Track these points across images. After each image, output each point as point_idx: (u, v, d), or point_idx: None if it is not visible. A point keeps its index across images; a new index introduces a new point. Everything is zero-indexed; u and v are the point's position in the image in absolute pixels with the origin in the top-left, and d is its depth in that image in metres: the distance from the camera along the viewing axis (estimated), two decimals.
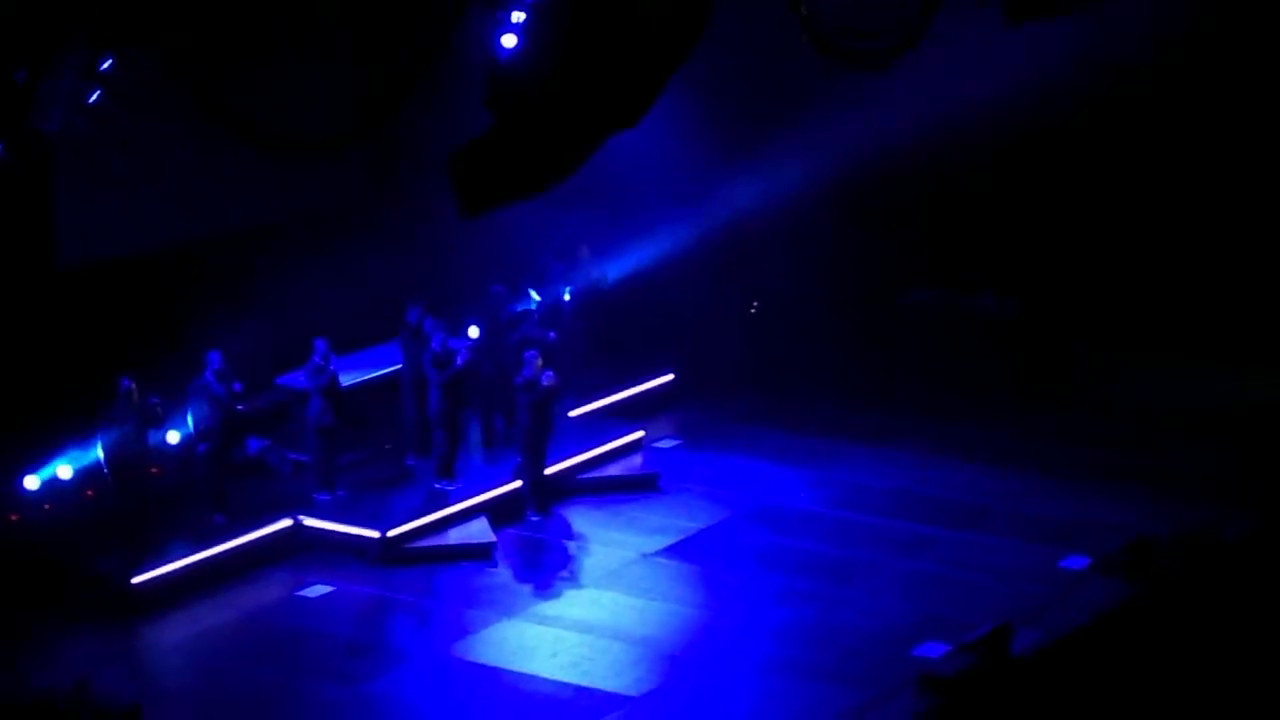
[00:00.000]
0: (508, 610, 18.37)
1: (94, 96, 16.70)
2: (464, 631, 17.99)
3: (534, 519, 20.34)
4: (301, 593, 18.83)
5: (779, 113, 23.65)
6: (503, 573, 19.30)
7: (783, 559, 19.27)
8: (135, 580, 18.38)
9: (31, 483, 18.70)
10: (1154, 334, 23.70)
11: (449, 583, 19.08)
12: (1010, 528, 19.82)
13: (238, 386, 19.50)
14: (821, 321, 24.42)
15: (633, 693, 16.76)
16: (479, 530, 19.88)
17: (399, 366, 21.09)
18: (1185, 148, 23.55)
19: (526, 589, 18.96)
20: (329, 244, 21.60)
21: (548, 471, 20.57)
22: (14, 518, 18.68)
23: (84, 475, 18.91)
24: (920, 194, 24.29)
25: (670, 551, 19.56)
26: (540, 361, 20.15)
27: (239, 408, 19.63)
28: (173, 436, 19.47)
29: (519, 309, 21.93)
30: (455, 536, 19.77)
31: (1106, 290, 23.98)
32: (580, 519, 20.44)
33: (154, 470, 19.27)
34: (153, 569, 18.50)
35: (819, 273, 24.51)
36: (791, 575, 18.90)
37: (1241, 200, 23.72)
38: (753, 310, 25.09)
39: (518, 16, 15.87)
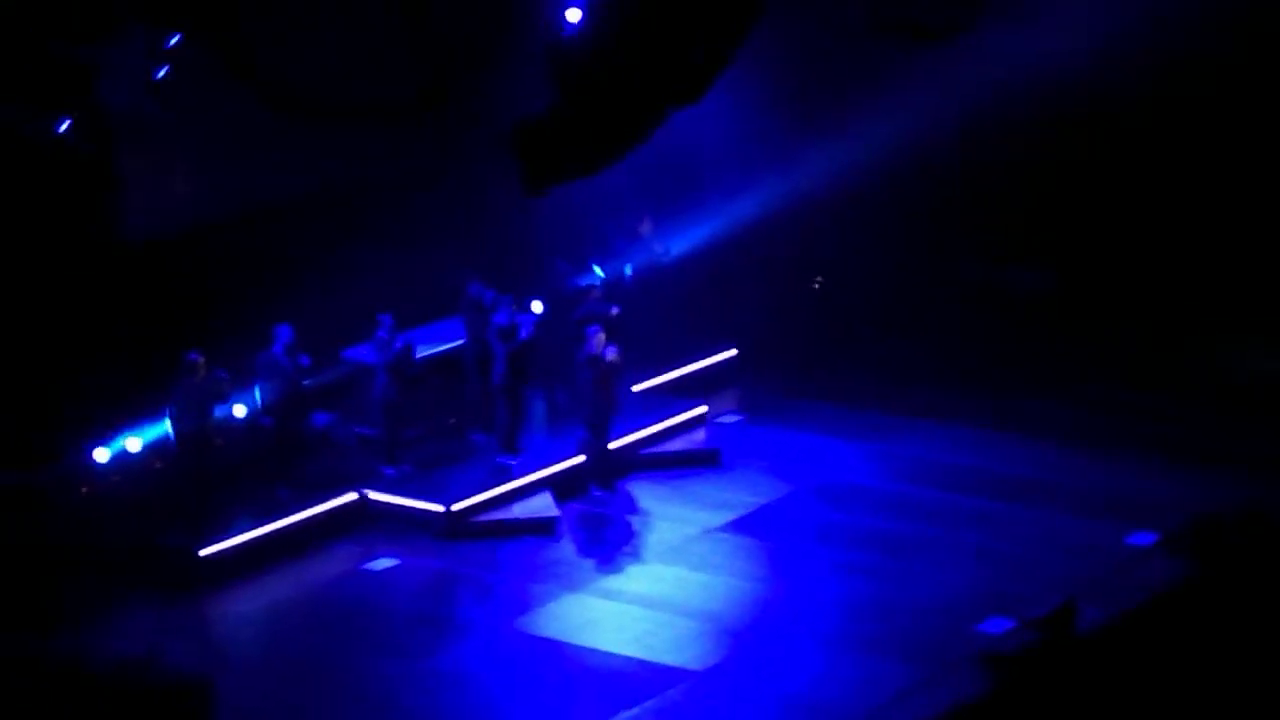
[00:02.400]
0: (571, 584, 18.31)
1: (160, 73, 16.66)
2: (527, 605, 17.93)
3: (597, 494, 20.23)
4: (366, 566, 18.82)
5: (841, 88, 23.41)
6: (566, 547, 19.23)
7: (844, 534, 19.13)
8: (202, 553, 18.40)
9: (101, 456, 18.75)
10: (1209, 307, 23.35)
11: (512, 557, 19.03)
12: (1073, 503, 19.61)
13: (304, 360, 19.46)
14: (884, 297, 24.19)
15: (695, 667, 16.67)
16: (543, 505, 19.80)
17: (462, 341, 20.99)
18: (1247, 120, 23.16)
19: (589, 563, 18.87)
20: (393, 217, 21.53)
21: (611, 446, 20.47)
22: (84, 490, 18.71)
23: (152, 449, 18.93)
24: (983, 169, 23.98)
25: (733, 526, 19.45)
26: (603, 336, 20.02)
27: (305, 382, 19.59)
28: (239, 410, 19.45)
29: (582, 284, 21.80)
30: (519, 511, 19.71)
31: (1163, 263, 23.65)
32: (643, 494, 20.34)
33: (221, 443, 19.24)
34: (220, 542, 18.53)
35: (882, 249, 24.28)
36: (853, 550, 18.76)
37: None
38: (816, 286, 24.88)
39: None
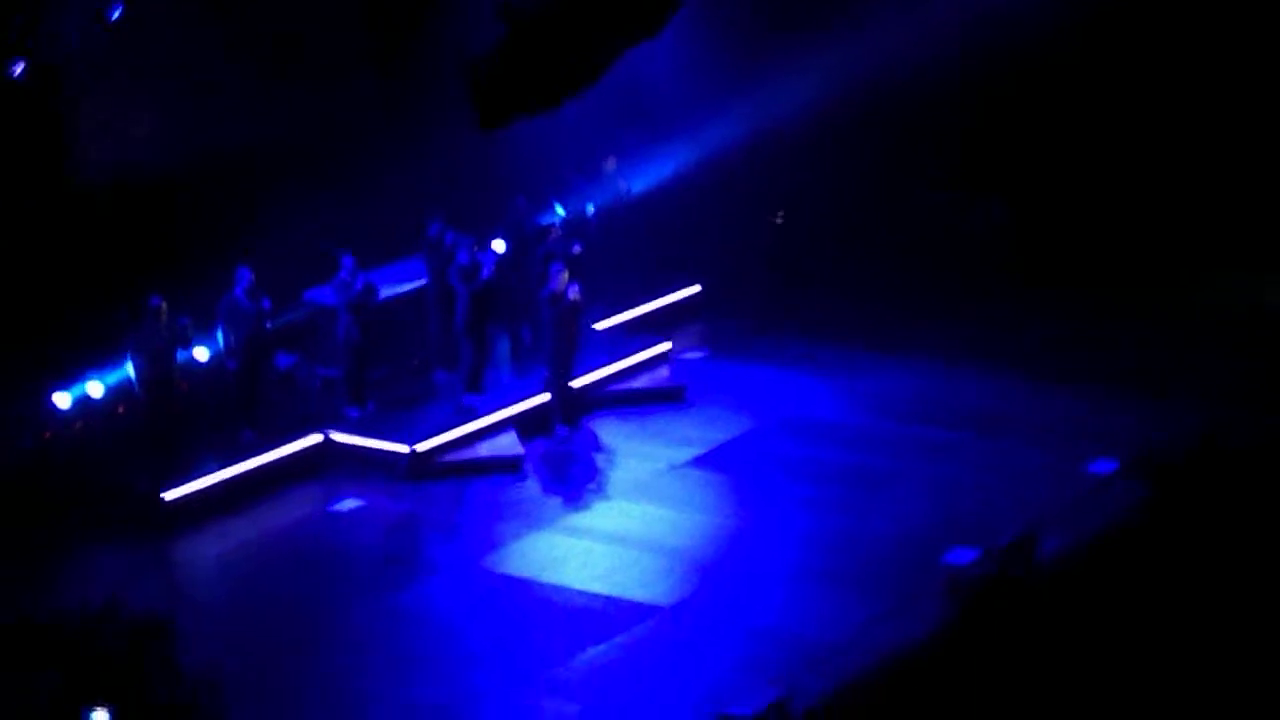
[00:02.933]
0: (537, 522, 18.31)
1: (115, 12, 16.45)
2: (494, 544, 17.92)
3: (562, 432, 20.21)
4: (332, 507, 18.80)
5: (803, 20, 23.30)
6: (531, 485, 19.22)
7: (809, 468, 19.16)
8: (167, 496, 18.33)
9: (63, 400, 18.65)
10: (1174, 240, 23.38)
11: (478, 496, 19.01)
12: (1034, 433, 19.64)
13: (266, 303, 19.36)
14: (845, 232, 24.14)
15: (663, 602, 16.69)
16: (507, 444, 19.78)
17: (424, 281, 20.90)
18: (1214, 48, 23.15)
19: (555, 501, 18.86)
20: (352, 158, 21.38)
21: (575, 384, 20.43)
22: (46, 435, 18.62)
23: (115, 393, 18.84)
24: (939, 103, 23.92)
25: (698, 462, 19.46)
26: (566, 274, 19.95)
27: (267, 324, 19.49)
28: (201, 353, 19.36)
29: (544, 222, 21.70)
30: (484, 450, 19.69)
31: (1124, 196, 23.65)
32: (608, 431, 20.33)
33: (184, 387, 19.15)
34: (184, 485, 18.47)
35: (843, 182, 24.21)
36: (818, 484, 18.79)
37: (1264, 107, 23.33)
38: (778, 221, 24.84)
39: None
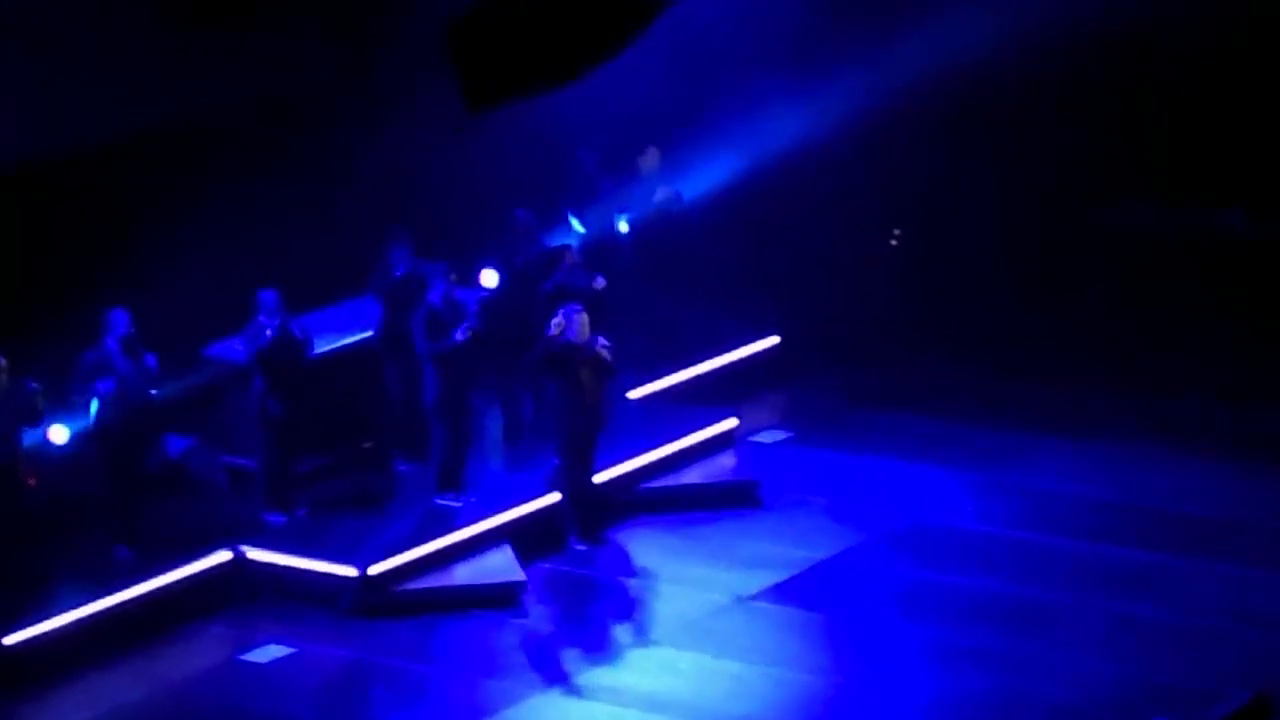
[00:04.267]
0: (542, 681, 18.40)
1: None
2: (479, 712, 17.98)
3: (579, 548, 20.33)
4: (247, 656, 18.90)
5: None
6: (535, 626, 19.32)
7: (938, 603, 19.23)
8: (8, 641, 18.44)
9: None
10: None
11: (457, 641, 19.12)
12: (1271, 553, 19.67)
13: (151, 360, 19.54)
14: (990, 256, 24.25)
15: None
16: (500, 566, 19.90)
17: (376, 331, 21.07)
18: None
19: (569, 650, 18.97)
20: (279, 151, 21.58)
21: (598, 479, 20.53)
22: None
23: None
24: (1127, 81, 24.07)
25: (777, 593, 19.55)
26: (585, 320, 20.10)
27: (152, 391, 19.66)
28: (59, 434, 19.50)
29: (554, 245, 21.88)
30: (466, 575, 19.78)
31: None
32: (646, 547, 20.45)
33: (31, 482, 19.31)
34: (32, 625, 18.56)
35: (983, 187, 24.33)
36: (953, 626, 18.86)
37: None
38: (892, 243, 24.96)
39: None
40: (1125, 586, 19.38)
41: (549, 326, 19.97)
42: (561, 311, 20.17)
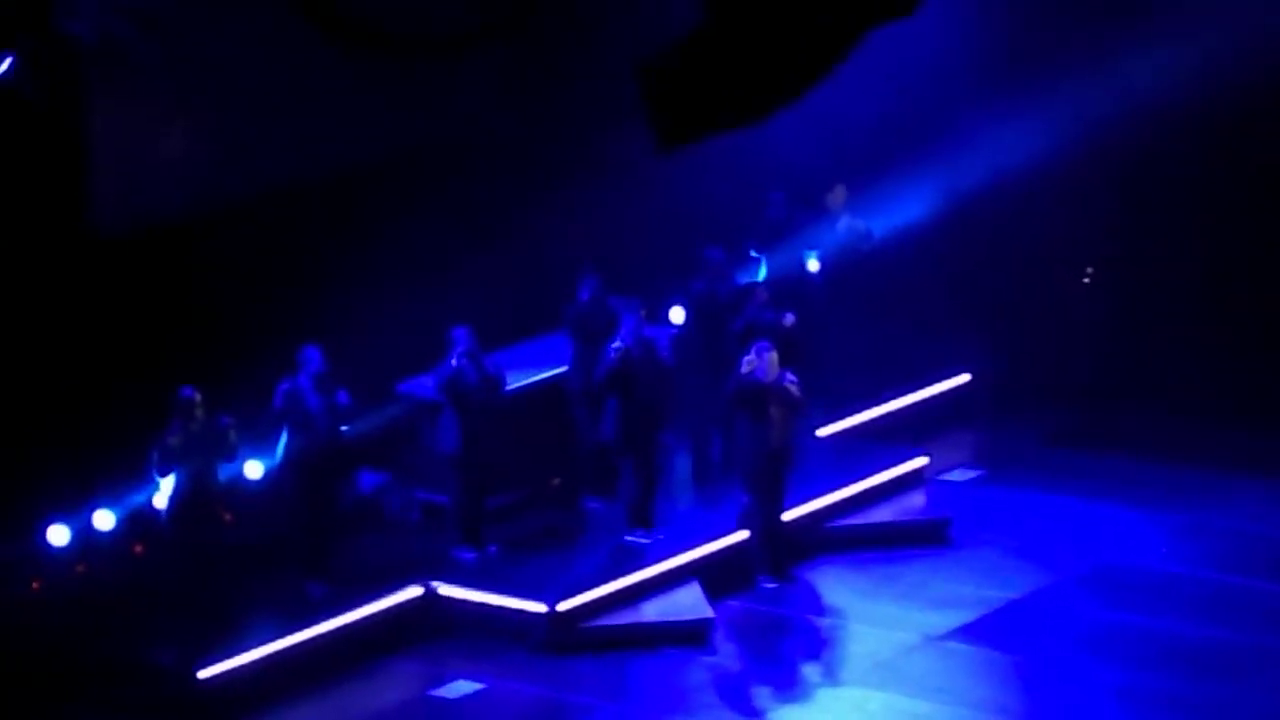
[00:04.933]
0: (731, 717, 18.29)
1: None
2: None
3: (768, 585, 20.30)
4: (437, 692, 18.99)
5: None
6: (724, 664, 19.30)
7: (1131, 645, 19.09)
8: (203, 674, 18.63)
9: (59, 536, 19.03)
10: None
11: (646, 679, 19.13)
12: None
13: (343, 397, 19.67)
14: (1190, 295, 24.00)
15: None
16: (689, 603, 19.90)
17: (569, 368, 21.15)
18: None
19: (759, 689, 18.93)
20: (471, 193, 21.71)
21: (787, 517, 20.51)
22: (36, 585, 19.03)
23: (131, 525, 19.19)
24: None
25: (967, 633, 19.46)
26: (774, 357, 20.09)
27: (344, 428, 19.81)
28: (253, 469, 19.69)
29: (743, 282, 21.88)
30: (655, 612, 19.80)
31: None
32: (835, 586, 20.41)
33: (227, 518, 19.50)
34: (227, 659, 18.74)
35: (1186, 225, 24.09)
36: (1144, 669, 18.71)
37: None
38: (1086, 280, 24.78)
39: None
40: None
41: (740, 364, 19.98)
42: (752, 349, 20.18)
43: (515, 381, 20.83)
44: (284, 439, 19.49)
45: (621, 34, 19.75)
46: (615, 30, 20.22)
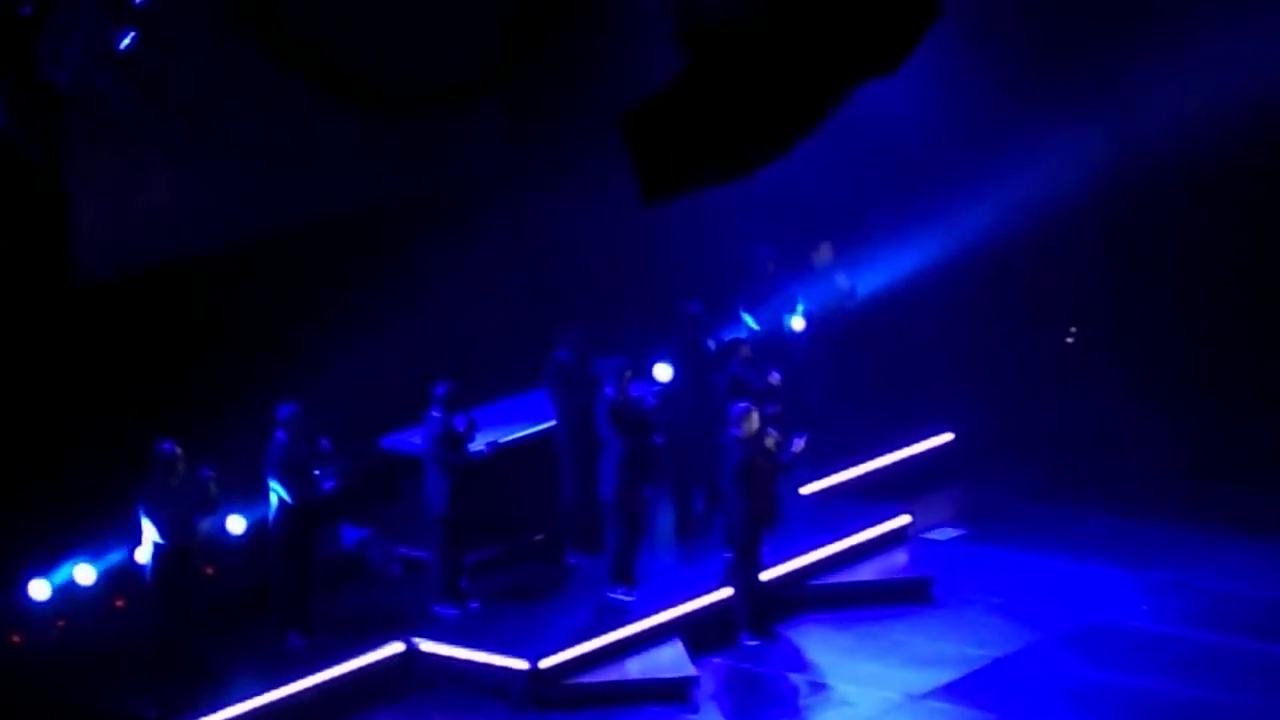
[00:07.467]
0: None
1: (125, 40, 16.97)
2: None
3: (750, 643, 20.26)
4: None
5: (1104, 49, 23.36)
6: None
7: (1114, 704, 19.06)
8: None
9: (39, 590, 18.98)
10: None
11: None
12: None
13: (326, 445, 19.62)
14: (1172, 353, 24.03)
15: None
16: (671, 661, 19.87)
17: (552, 423, 21.12)
18: None
19: None
20: (454, 245, 21.71)
21: (767, 576, 20.47)
22: (16, 639, 18.96)
23: (112, 579, 19.13)
24: None
25: (950, 692, 19.42)
26: (755, 416, 20.07)
27: (327, 482, 19.76)
28: (235, 524, 19.64)
29: (727, 339, 21.87)
30: (637, 669, 19.77)
31: None
32: (818, 644, 20.37)
33: (209, 571, 19.45)
34: (207, 714, 18.67)
35: (1168, 283, 24.12)
36: None
37: None
38: (1069, 340, 24.80)
39: None
40: None
41: (739, 426, 19.93)
42: (733, 407, 20.17)
43: (501, 436, 20.79)
44: (275, 492, 19.43)
45: (610, 85, 19.74)
46: (604, 82, 20.19)
